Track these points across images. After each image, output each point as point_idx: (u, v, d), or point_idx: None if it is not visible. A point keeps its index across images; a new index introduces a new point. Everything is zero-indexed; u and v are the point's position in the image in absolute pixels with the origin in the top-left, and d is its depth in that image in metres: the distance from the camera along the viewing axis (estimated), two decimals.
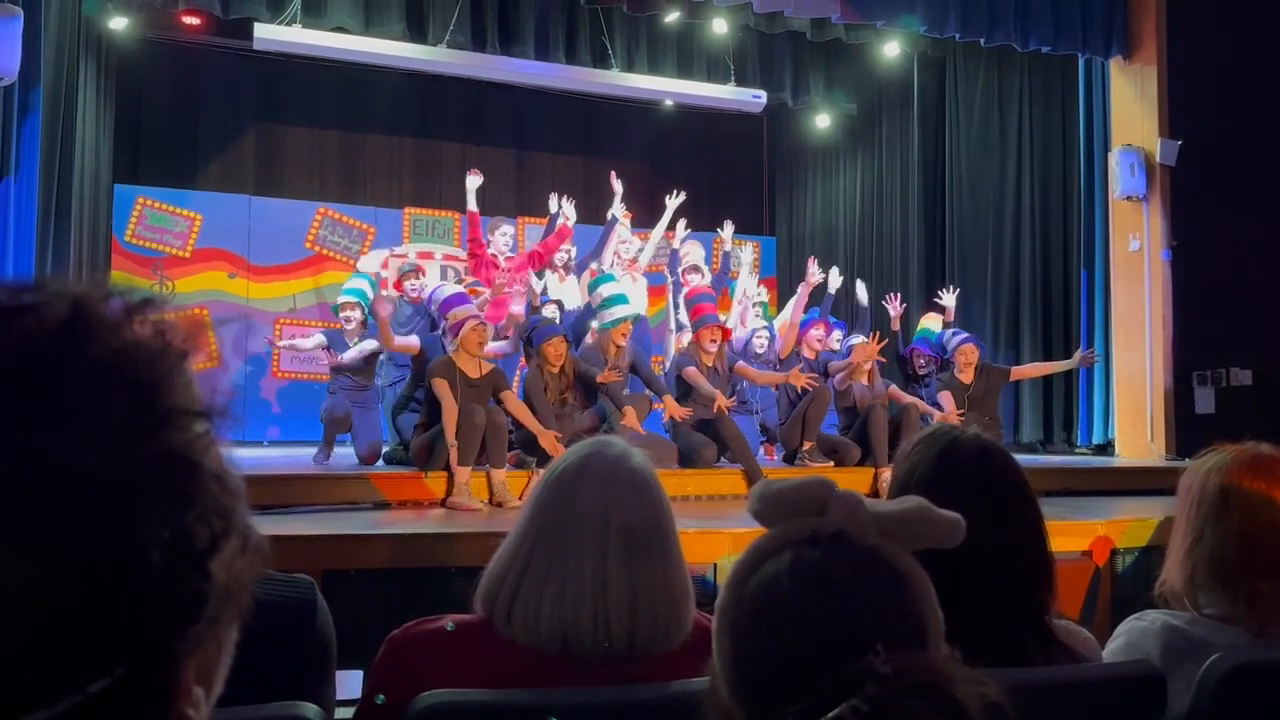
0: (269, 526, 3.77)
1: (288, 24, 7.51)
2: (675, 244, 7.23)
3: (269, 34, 7.52)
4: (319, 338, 6.33)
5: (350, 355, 6.10)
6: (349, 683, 2.60)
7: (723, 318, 6.43)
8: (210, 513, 0.48)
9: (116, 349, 0.47)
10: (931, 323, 7.25)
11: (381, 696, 1.28)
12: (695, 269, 7.13)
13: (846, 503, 0.79)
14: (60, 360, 0.46)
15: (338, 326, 6.35)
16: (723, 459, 5.80)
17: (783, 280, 11.04)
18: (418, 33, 8.08)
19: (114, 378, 0.47)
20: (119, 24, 8.14)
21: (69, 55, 6.95)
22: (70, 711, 0.43)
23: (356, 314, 6.16)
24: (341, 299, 6.26)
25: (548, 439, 5.00)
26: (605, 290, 6.12)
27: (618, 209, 7.00)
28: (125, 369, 0.47)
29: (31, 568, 0.43)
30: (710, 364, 5.95)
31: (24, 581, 0.43)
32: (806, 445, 6.11)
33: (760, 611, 0.77)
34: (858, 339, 6.59)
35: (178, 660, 0.47)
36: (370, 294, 6.34)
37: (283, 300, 9.10)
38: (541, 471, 1.42)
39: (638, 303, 6.53)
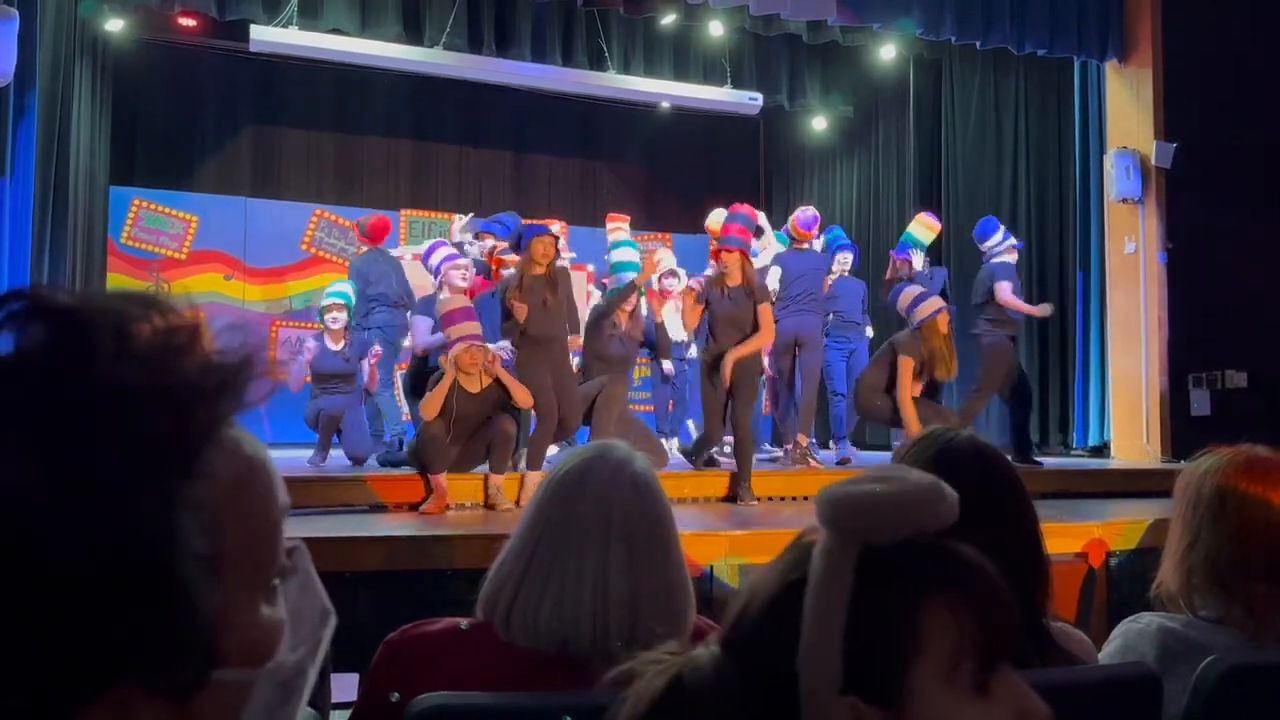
0: None
1: (284, 26, 7.51)
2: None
3: (265, 36, 7.52)
4: (301, 360, 6.21)
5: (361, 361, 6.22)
6: (344, 686, 2.60)
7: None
8: (141, 574, 0.45)
9: (108, 377, 0.46)
10: (920, 230, 7.08)
11: (396, 694, 1.28)
12: (673, 273, 7.15)
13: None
14: (47, 383, 0.45)
15: (316, 327, 6.37)
16: (725, 462, 5.79)
17: None
18: (414, 35, 8.08)
19: (90, 407, 0.45)
20: (115, 26, 8.13)
21: (65, 57, 6.94)
22: None
23: (342, 315, 6.19)
24: (325, 301, 6.29)
25: (521, 394, 5.00)
26: (617, 255, 6.14)
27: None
28: (115, 399, 0.46)
29: None
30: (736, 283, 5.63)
31: None
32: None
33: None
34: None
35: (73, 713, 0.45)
36: (353, 297, 6.39)
37: (279, 302, 9.09)
38: (538, 475, 1.43)
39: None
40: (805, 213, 6.88)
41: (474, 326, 5.05)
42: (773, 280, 6.46)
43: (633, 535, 1.29)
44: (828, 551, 0.72)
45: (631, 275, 5.98)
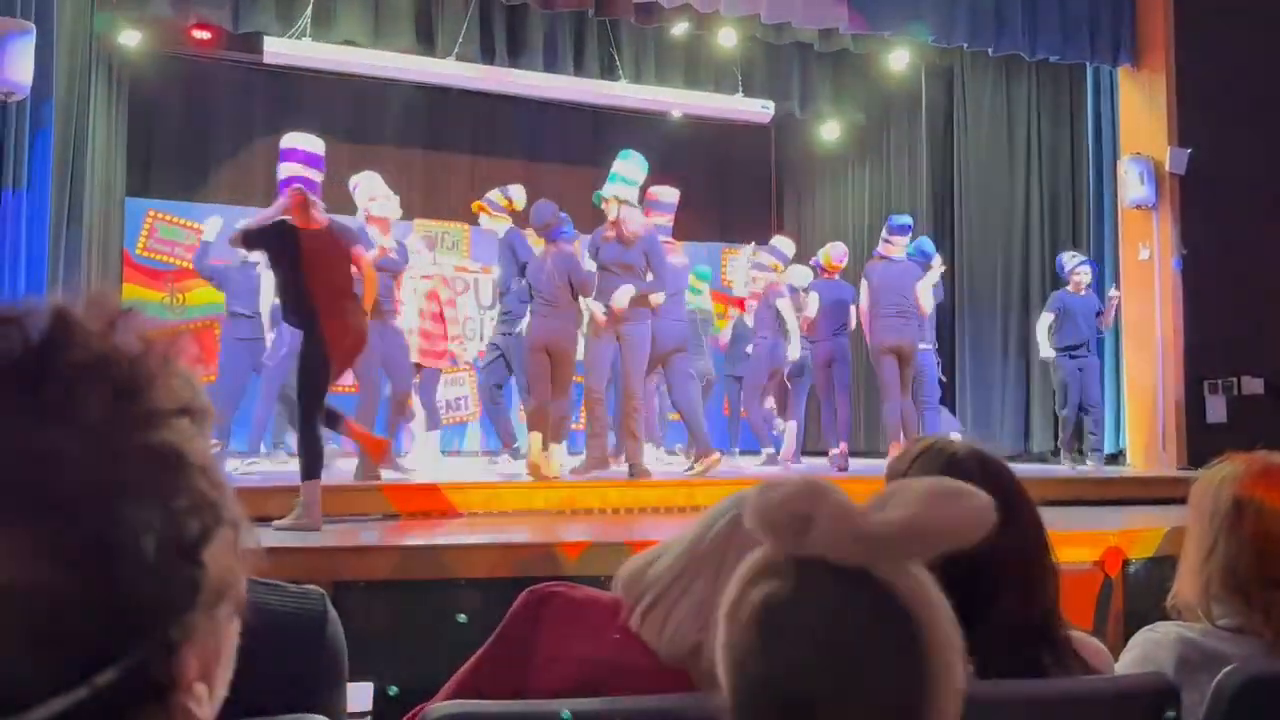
0: (279, 538, 3.77)
1: (298, 37, 7.56)
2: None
3: (279, 47, 7.57)
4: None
5: None
6: (358, 694, 2.60)
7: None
8: (199, 504, 0.50)
9: (97, 353, 0.49)
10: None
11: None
12: None
13: (830, 521, 0.67)
14: (43, 365, 0.48)
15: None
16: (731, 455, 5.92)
17: None
18: (427, 45, 8.12)
19: (95, 378, 0.49)
20: (131, 39, 8.20)
21: (81, 70, 6.99)
22: (77, 705, 0.44)
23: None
24: None
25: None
26: (618, 166, 6.08)
27: None
28: (106, 370, 0.49)
29: (26, 561, 0.44)
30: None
31: (19, 575, 0.44)
32: None
33: (737, 659, 0.69)
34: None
35: (176, 650, 0.48)
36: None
37: None
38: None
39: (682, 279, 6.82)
40: (836, 248, 7.68)
41: (297, 169, 5.08)
42: (812, 305, 7.31)
43: None
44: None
45: (614, 188, 5.94)
